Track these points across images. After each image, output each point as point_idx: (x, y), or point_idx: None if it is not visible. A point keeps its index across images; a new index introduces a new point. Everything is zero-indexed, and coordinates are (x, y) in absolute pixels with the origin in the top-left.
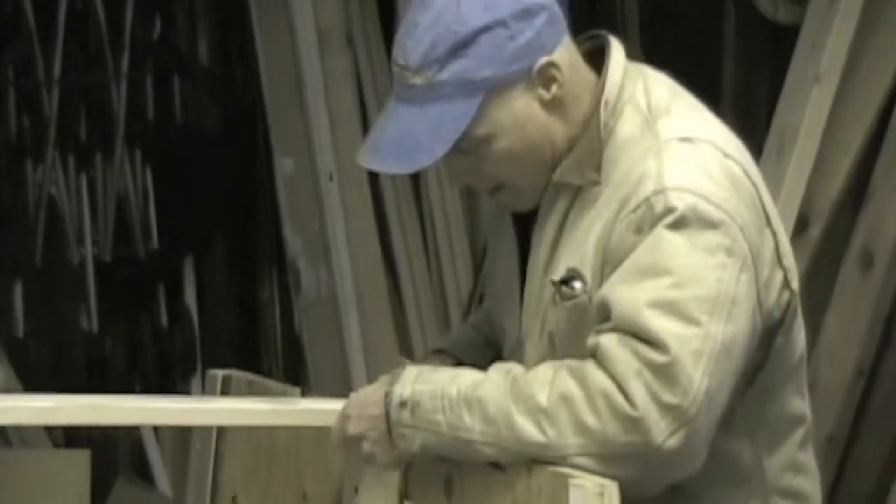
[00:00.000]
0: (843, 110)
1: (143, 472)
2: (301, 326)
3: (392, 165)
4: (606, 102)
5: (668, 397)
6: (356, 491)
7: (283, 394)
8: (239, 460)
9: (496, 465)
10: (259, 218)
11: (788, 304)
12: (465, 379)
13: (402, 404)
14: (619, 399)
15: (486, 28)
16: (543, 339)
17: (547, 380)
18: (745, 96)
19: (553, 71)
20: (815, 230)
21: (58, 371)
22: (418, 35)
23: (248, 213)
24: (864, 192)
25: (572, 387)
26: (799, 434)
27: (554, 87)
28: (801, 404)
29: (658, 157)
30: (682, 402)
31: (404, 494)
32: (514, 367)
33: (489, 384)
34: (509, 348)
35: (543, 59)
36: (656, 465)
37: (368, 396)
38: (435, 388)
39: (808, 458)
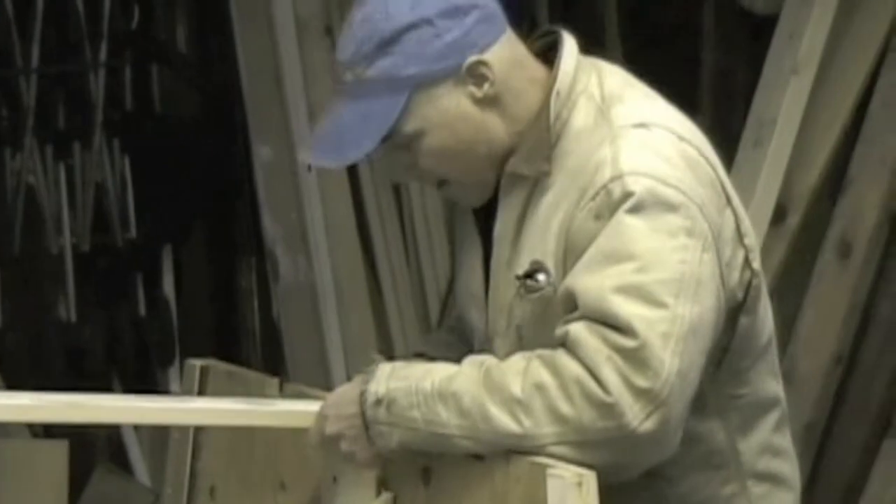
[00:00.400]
0: (821, 100)
1: (121, 461)
2: (279, 315)
3: (323, 158)
4: (558, 93)
5: (640, 381)
6: (334, 480)
7: (261, 384)
8: (217, 450)
9: (476, 456)
10: (237, 207)
11: (750, 283)
12: (438, 373)
13: (378, 402)
14: (592, 385)
15: (412, 26)
16: (511, 333)
17: (520, 370)
18: (724, 86)
19: (483, 69)
20: (793, 220)
21: (36, 360)
22: (351, 32)
23: (227, 202)
24: (842, 181)
25: (545, 376)
26: (773, 417)
27: (486, 86)
28: (774, 387)
29: (613, 144)
30: (653, 385)
31: (382, 484)
32: (487, 359)
33: (463, 377)
34: (478, 345)
35: (473, 58)
36: (632, 449)
37: (344, 395)
38: (409, 384)
39: (785, 442)
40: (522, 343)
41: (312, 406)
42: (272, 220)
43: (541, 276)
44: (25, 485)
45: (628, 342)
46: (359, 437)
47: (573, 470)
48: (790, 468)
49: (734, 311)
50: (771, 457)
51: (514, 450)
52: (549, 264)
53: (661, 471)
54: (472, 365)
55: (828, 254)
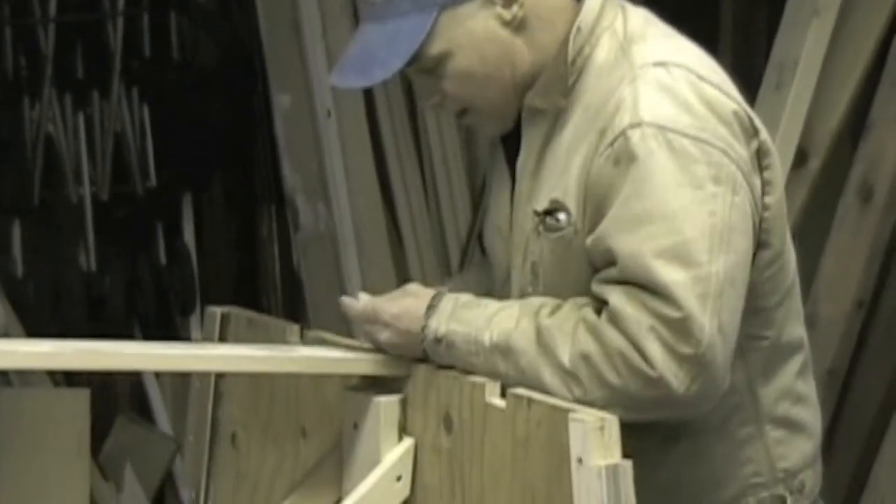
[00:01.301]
0: (842, 43)
1: (143, 410)
2: (300, 263)
3: (351, 80)
4: (579, 29)
5: (684, 348)
6: (355, 427)
7: (282, 331)
8: (238, 398)
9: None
10: (257, 155)
11: (766, 216)
12: (497, 325)
13: (437, 340)
14: (637, 359)
15: None
16: (526, 268)
17: (568, 333)
18: (744, 30)
19: None
20: (814, 163)
21: (57, 310)
22: None
23: (246, 151)
24: (863, 124)
25: (591, 345)
26: (797, 362)
27: (514, 7)
28: (800, 330)
29: (633, 85)
30: (696, 351)
31: (403, 430)
32: (541, 311)
33: (519, 333)
34: (500, 279)
35: None
36: (681, 407)
37: (409, 311)
38: (469, 331)
39: (808, 388)
40: (537, 279)
41: (333, 353)
42: (292, 168)
43: (561, 216)
44: (47, 434)
45: (671, 312)
46: (414, 354)
47: (595, 414)
48: (811, 416)
49: (755, 245)
50: (791, 403)
51: None
52: (570, 205)
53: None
54: (528, 315)
55: (849, 197)
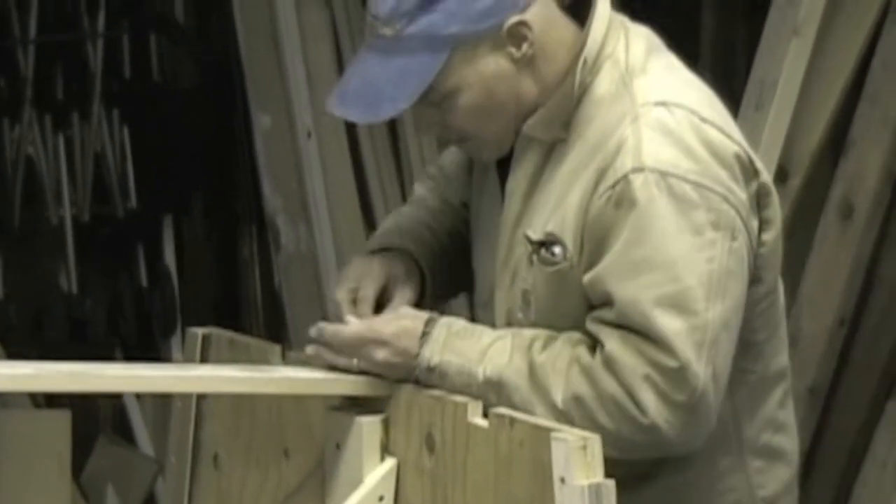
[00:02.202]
0: (822, 61)
1: (124, 431)
2: (281, 283)
3: (355, 114)
4: (585, 61)
5: (678, 396)
6: (338, 447)
7: (263, 352)
8: (220, 418)
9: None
10: (237, 176)
11: (762, 253)
12: (489, 361)
13: (430, 369)
14: (630, 407)
15: None
16: (515, 293)
17: (562, 372)
18: (724, 49)
19: (524, 30)
20: (795, 181)
21: (38, 332)
22: None
23: (227, 171)
24: (844, 142)
25: (584, 388)
26: (779, 391)
27: (524, 46)
28: (784, 359)
29: (635, 125)
30: (690, 399)
31: (386, 450)
32: (534, 346)
33: (512, 370)
34: (481, 295)
35: (514, 18)
36: (673, 448)
37: (406, 332)
38: (462, 363)
39: (788, 416)
40: (528, 307)
41: (315, 373)
42: (272, 188)
43: (556, 249)
44: (28, 455)
45: (668, 361)
46: (406, 374)
47: (577, 433)
48: (790, 443)
49: (749, 281)
50: (773, 432)
51: None
52: (567, 240)
53: None
54: (520, 352)
55: (830, 215)
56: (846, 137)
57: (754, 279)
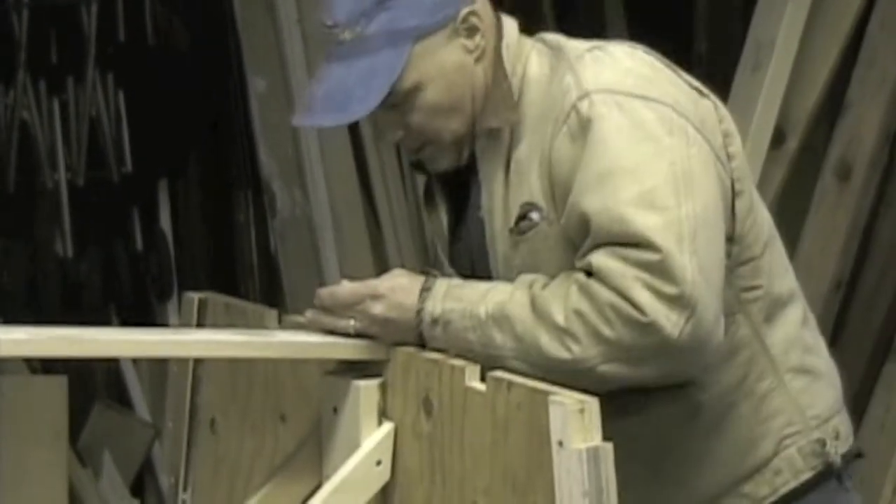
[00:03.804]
0: (818, 23)
1: (121, 397)
2: (277, 248)
3: (326, 119)
4: (507, 46)
5: (669, 289)
6: (335, 411)
7: (259, 316)
8: (217, 383)
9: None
10: (233, 140)
11: (735, 166)
12: (492, 298)
13: (434, 322)
14: (627, 307)
15: None
16: (509, 267)
17: (561, 296)
18: (720, 11)
19: (475, 20)
20: (792, 143)
21: (33, 296)
22: None
23: (222, 136)
24: (841, 104)
25: (583, 304)
26: (796, 311)
27: (478, 38)
28: (789, 281)
29: (573, 70)
30: (682, 289)
31: (383, 414)
32: (535, 281)
33: (514, 303)
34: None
35: (466, 9)
36: (679, 356)
37: (403, 286)
38: (465, 306)
39: (815, 339)
40: (513, 271)
41: (312, 337)
42: (268, 153)
43: (533, 215)
44: (25, 421)
45: (650, 256)
46: (406, 334)
47: (575, 396)
48: (826, 365)
49: (731, 197)
50: (802, 351)
51: (567, 373)
52: (539, 200)
53: (692, 378)
54: (522, 288)
55: (827, 177)
56: (843, 99)
57: (737, 192)
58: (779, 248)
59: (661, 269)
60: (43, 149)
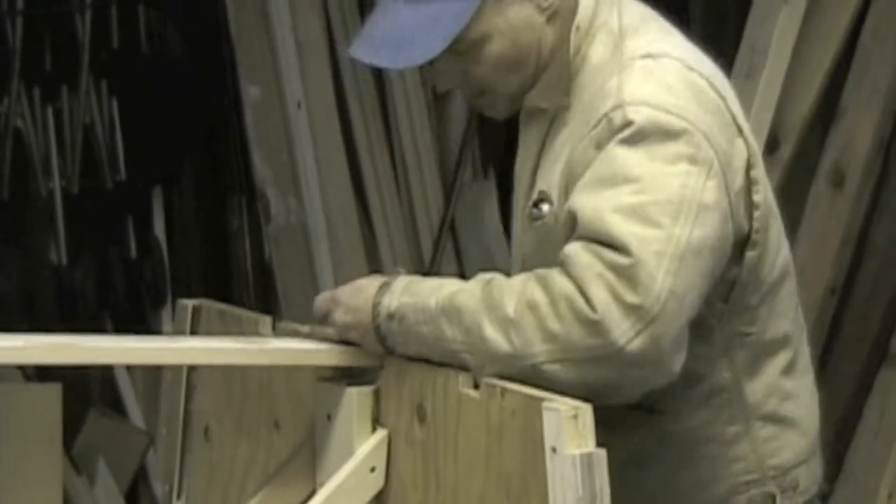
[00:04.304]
0: (812, 29)
1: (115, 404)
2: (271, 255)
3: (386, 59)
4: (577, 27)
5: (630, 297)
6: (328, 419)
7: (254, 323)
8: (211, 391)
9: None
10: (227, 147)
11: (753, 216)
12: (444, 290)
13: (390, 316)
14: (580, 302)
15: None
16: (518, 262)
17: (517, 289)
18: (715, 15)
19: None
20: (786, 149)
21: (28, 304)
22: None
23: (216, 143)
24: (834, 110)
25: (538, 294)
26: (782, 358)
27: None
28: (785, 326)
29: (620, 75)
30: (644, 302)
31: (377, 421)
32: (495, 277)
33: (465, 294)
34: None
35: None
36: (623, 367)
37: (361, 289)
38: (417, 300)
39: (796, 385)
40: (525, 266)
41: (306, 344)
42: (262, 160)
43: (544, 206)
44: (19, 429)
45: (622, 259)
46: (367, 335)
47: (569, 403)
48: (803, 412)
49: (741, 244)
50: (779, 400)
51: (511, 367)
52: (553, 195)
53: (665, 406)
54: (478, 281)
55: (821, 184)
56: (837, 106)
57: (752, 243)
58: (788, 290)
59: (627, 275)
60: (37, 156)
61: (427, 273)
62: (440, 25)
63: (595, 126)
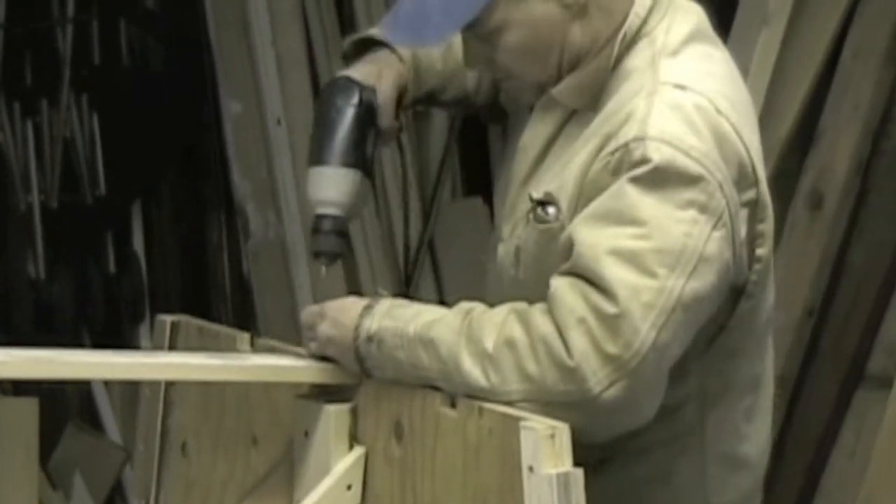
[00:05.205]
0: (791, 51)
1: (92, 419)
2: (250, 271)
3: (402, 38)
4: (625, 35)
5: (610, 347)
6: (306, 435)
7: (232, 339)
8: (188, 406)
9: (449, 406)
10: (207, 163)
11: (753, 268)
12: (423, 317)
13: (369, 339)
14: (558, 347)
15: None
16: (510, 245)
17: (497, 323)
18: None
19: None
20: (765, 171)
21: (5, 318)
22: None
23: (196, 158)
24: (813, 132)
25: (517, 332)
26: (747, 401)
27: None
28: (758, 368)
29: (648, 99)
30: (623, 354)
31: (354, 438)
32: (476, 308)
33: (443, 324)
34: (492, 245)
35: None
36: (596, 414)
37: (346, 307)
38: (397, 325)
39: (754, 429)
40: (518, 264)
41: (284, 361)
42: (242, 175)
43: (551, 210)
44: None
45: (608, 306)
46: (346, 353)
47: (546, 422)
48: (755, 452)
49: (737, 292)
50: (736, 441)
51: (486, 400)
52: (562, 201)
53: (616, 452)
54: (458, 312)
55: (799, 205)
56: (816, 127)
57: (746, 294)
58: (766, 335)
59: (610, 324)
60: (16, 171)
61: (405, 293)
62: (454, 8)
63: (614, 151)
